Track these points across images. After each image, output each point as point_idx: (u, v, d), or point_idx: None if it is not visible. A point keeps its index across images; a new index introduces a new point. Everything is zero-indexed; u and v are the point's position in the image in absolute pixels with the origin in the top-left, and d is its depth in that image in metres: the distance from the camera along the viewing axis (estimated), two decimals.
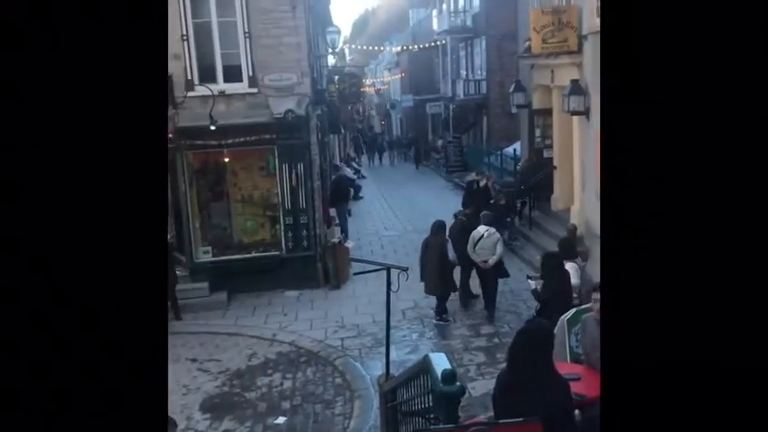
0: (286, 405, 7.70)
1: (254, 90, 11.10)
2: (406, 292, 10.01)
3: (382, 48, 36.26)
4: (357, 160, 30.78)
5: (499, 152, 20.75)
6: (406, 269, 6.63)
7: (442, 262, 9.53)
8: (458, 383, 3.15)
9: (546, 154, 13.97)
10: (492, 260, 9.61)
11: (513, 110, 24.42)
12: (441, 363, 3.32)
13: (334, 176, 17.30)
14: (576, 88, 11.21)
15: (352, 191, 18.83)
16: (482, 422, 2.53)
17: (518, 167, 15.46)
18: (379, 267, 7.08)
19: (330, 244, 11.84)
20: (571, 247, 8.03)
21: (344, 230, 13.89)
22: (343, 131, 27.16)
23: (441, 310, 9.80)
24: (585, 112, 11.26)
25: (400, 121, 42.25)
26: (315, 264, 11.75)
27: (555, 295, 6.86)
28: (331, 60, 22.38)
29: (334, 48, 14.90)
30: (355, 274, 7.75)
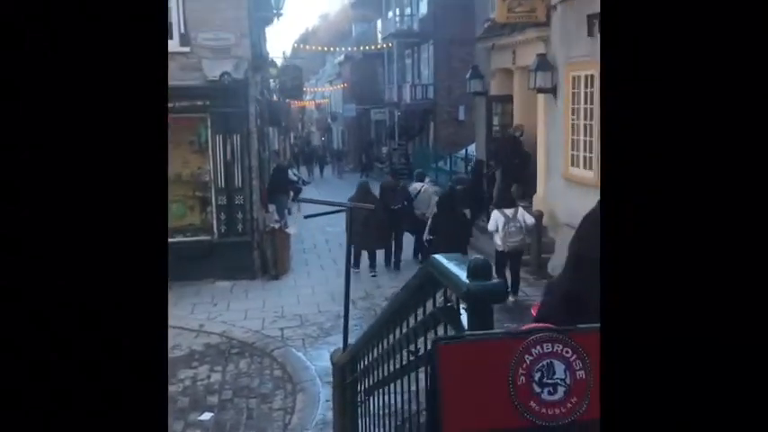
0: (213, 400, 6.28)
1: (186, 49, 9.73)
2: (356, 282, 8.88)
3: (330, 48, 35.05)
4: (295, 169, 29.31)
5: (448, 156, 19.86)
6: (370, 207, 5.38)
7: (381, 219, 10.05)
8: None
9: (512, 133, 13.02)
10: (429, 213, 10.22)
11: (461, 116, 23.90)
12: (456, 260, 2.10)
13: (273, 165, 15.89)
14: (543, 64, 10.31)
15: (291, 193, 17.44)
16: (552, 327, 1.50)
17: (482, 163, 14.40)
18: (337, 209, 5.79)
19: (269, 229, 10.46)
20: (509, 199, 9.12)
21: (284, 219, 12.50)
22: (284, 126, 25.77)
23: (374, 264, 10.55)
24: (553, 90, 10.37)
25: (342, 132, 41.08)
26: (251, 251, 10.34)
27: (443, 234, 8.41)
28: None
29: (278, 9, 13.58)
30: (306, 217, 6.46)
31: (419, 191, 11.09)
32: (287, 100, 26.02)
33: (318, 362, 7.05)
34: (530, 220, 8.59)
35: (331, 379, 6.43)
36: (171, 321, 8.36)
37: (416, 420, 2.75)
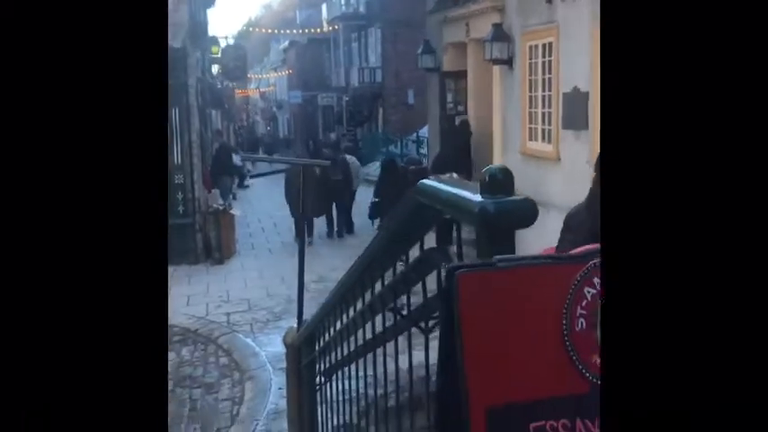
0: None
1: None
2: (308, 264, 8.32)
3: (275, 31, 34.01)
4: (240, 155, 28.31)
5: (398, 139, 19.40)
6: (326, 164, 4.83)
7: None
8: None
9: (458, 121, 12.60)
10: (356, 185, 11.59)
11: (411, 99, 23.47)
12: (456, 182, 1.58)
13: (216, 145, 15.08)
14: (500, 33, 9.89)
15: (236, 178, 16.59)
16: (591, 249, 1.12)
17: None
18: (286, 165, 5.18)
19: (212, 210, 9.77)
20: (443, 166, 9.53)
21: (227, 200, 11.79)
22: (227, 109, 24.82)
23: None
24: (509, 61, 9.97)
25: (287, 121, 40.15)
26: (193, 233, 9.63)
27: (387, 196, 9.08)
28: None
29: None
30: (252, 176, 5.85)
31: (349, 162, 11.89)
32: (230, 84, 25.10)
33: (269, 347, 6.48)
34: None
35: (283, 365, 5.89)
36: None
37: (384, 405, 2.26)
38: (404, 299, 1.91)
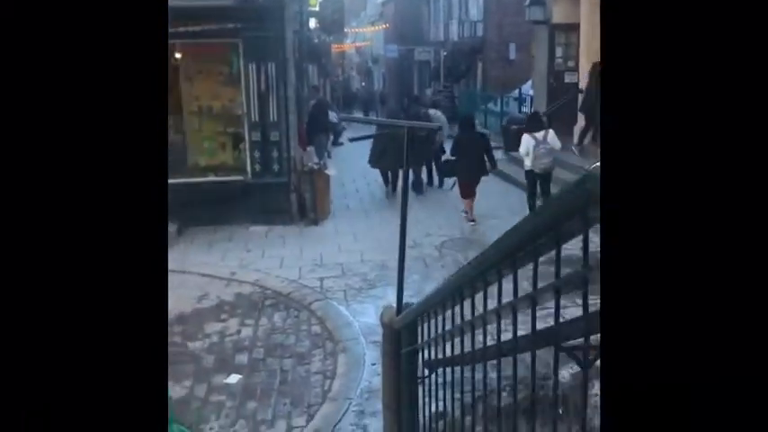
0: (242, 359, 5.45)
1: None
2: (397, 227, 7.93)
3: None
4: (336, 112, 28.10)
5: (498, 97, 18.51)
6: (438, 128, 4.34)
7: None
8: None
9: (568, 78, 11.73)
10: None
11: (512, 55, 22.38)
12: None
13: (312, 101, 14.83)
14: None
15: (332, 135, 16.31)
16: None
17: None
18: (388, 127, 4.72)
19: (307, 169, 9.51)
20: (537, 121, 9.12)
21: (323, 159, 11.52)
22: (324, 63, 24.60)
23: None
24: None
25: (383, 76, 39.61)
26: (288, 193, 9.42)
27: (464, 155, 9.15)
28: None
29: None
30: (352, 140, 5.48)
31: (432, 117, 11.43)
32: (327, 38, 24.80)
33: (362, 317, 6.17)
34: (557, 143, 8.75)
35: (377, 339, 5.56)
36: (201, 269, 7.48)
37: (497, 406, 1.84)
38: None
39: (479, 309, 2.01)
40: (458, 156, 9.40)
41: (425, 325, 3.00)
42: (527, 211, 9.22)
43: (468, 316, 2.21)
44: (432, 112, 11.81)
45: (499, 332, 1.86)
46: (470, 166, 9.15)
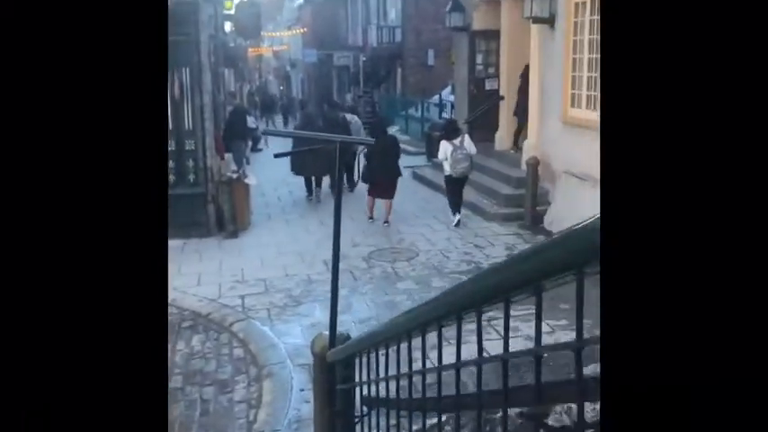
0: None
1: None
2: (327, 239, 7.61)
3: None
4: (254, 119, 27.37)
5: (419, 102, 18.50)
6: (370, 142, 4.09)
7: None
8: None
9: (488, 85, 11.75)
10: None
11: (431, 60, 22.45)
12: None
13: (230, 108, 14.30)
14: None
15: (250, 142, 15.79)
16: None
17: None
18: (317, 143, 4.40)
19: (225, 179, 9.06)
20: (454, 129, 9.52)
21: (242, 167, 11.07)
22: (240, 68, 23.94)
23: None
24: (551, 20, 9.09)
25: (302, 81, 39.08)
26: (205, 204, 8.95)
27: (377, 159, 9.26)
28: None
29: None
30: (276, 155, 5.14)
31: (349, 122, 11.56)
32: (244, 42, 24.16)
33: (288, 338, 5.84)
34: (473, 149, 9.12)
35: (304, 361, 5.26)
36: None
37: None
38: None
39: (434, 356, 1.76)
40: (370, 159, 9.55)
41: (366, 360, 2.73)
42: (450, 216, 9.25)
43: (419, 359, 1.96)
44: (349, 117, 11.89)
45: (458, 384, 1.62)
46: (383, 169, 9.28)
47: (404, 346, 2.04)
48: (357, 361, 2.84)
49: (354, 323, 6.03)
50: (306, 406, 4.64)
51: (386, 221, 9.48)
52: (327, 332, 3.49)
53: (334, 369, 3.20)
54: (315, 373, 3.63)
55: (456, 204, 9.31)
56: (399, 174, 9.67)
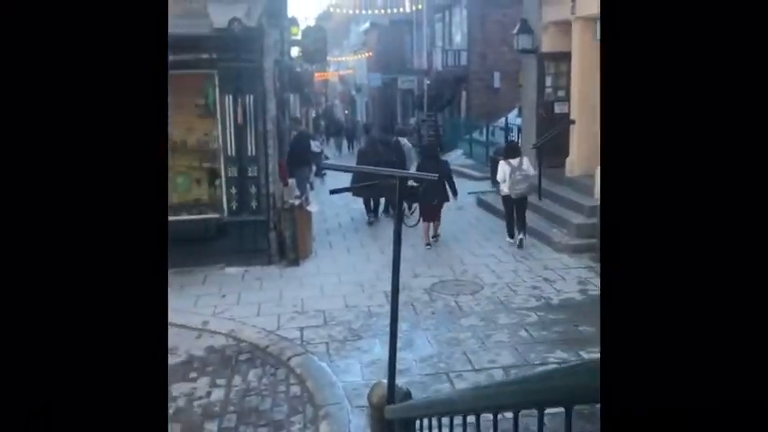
0: (211, 428, 4.83)
1: None
2: (387, 269, 7.35)
3: (356, 11, 32.94)
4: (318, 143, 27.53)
5: (484, 126, 18.15)
6: (433, 177, 3.83)
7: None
8: None
9: (558, 109, 11.34)
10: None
11: (497, 83, 22.11)
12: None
13: (294, 133, 14.32)
14: None
15: (314, 166, 15.78)
16: None
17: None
18: (375, 179, 4.17)
19: (287, 206, 8.96)
20: (514, 150, 9.43)
21: (305, 194, 10.99)
22: (306, 93, 24.16)
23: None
24: None
25: (366, 105, 39.30)
26: (267, 232, 8.86)
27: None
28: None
29: None
30: (332, 192, 4.93)
31: (403, 145, 11.79)
32: (310, 67, 24.42)
33: (346, 376, 5.59)
34: (531, 170, 9.16)
35: (362, 403, 4.99)
36: (170, 317, 6.84)
37: None
38: None
39: None
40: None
41: (427, 425, 2.43)
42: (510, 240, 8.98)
43: None
44: (401, 140, 12.21)
45: None
46: (432, 192, 9.08)
47: (470, 419, 1.79)
48: (418, 424, 2.56)
49: (415, 361, 5.74)
50: None
51: (427, 244, 9.50)
52: (386, 381, 3.23)
53: (393, 426, 2.92)
54: (372, 425, 3.36)
55: (513, 226, 9.29)
56: (447, 198, 9.66)
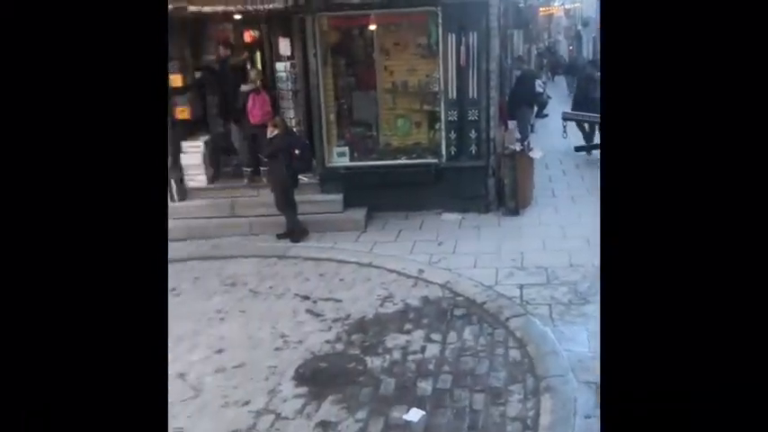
0: (426, 388, 4.62)
1: None
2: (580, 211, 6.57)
3: None
4: (543, 80, 26.12)
5: None
6: None
7: None
8: None
9: None
10: None
11: None
12: None
13: (517, 73, 13.55)
14: None
15: (535, 107, 14.86)
16: None
17: None
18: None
19: (508, 152, 8.42)
20: None
21: (527, 138, 10.32)
22: (531, 28, 22.94)
23: None
24: None
25: (594, 41, 36.54)
26: (485, 178, 8.43)
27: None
28: None
29: None
30: (578, 149, 4.39)
31: None
32: (536, 3, 23.02)
33: (571, 345, 5.07)
34: None
35: (591, 378, 4.47)
36: (388, 263, 6.75)
37: None
38: None
39: None
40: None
41: None
42: None
43: None
44: None
45: None
46: None
47: None
48: None
49: None
50: None
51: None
52: None
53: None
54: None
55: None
56: None
